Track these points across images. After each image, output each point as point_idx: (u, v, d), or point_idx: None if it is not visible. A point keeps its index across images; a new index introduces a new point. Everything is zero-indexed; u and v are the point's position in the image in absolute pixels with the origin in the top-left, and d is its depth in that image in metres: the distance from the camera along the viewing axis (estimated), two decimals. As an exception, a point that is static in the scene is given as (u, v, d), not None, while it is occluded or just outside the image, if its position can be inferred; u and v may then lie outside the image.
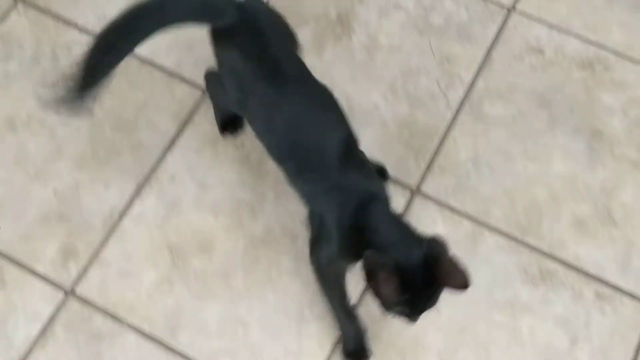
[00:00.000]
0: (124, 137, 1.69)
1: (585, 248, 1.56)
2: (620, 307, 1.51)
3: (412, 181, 1.64)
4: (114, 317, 1.52)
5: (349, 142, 1.31)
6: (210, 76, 1.56)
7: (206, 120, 1.71)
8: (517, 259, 1.56)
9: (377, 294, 1.18)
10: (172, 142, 1.69)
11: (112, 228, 1.60)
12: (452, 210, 1.61)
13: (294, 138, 1.29)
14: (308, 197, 1.34)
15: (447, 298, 1.42)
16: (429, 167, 1.65)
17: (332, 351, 1.48)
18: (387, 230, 1.23)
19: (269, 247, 1.58)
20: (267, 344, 1.49)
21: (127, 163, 1.66)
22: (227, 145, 1.68)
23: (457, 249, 1.56)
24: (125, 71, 1.75)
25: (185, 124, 1.71)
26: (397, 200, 1.60)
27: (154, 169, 1.66)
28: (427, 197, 1.62)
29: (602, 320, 1.50)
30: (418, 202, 1.61)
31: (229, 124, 1.67)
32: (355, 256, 1.24)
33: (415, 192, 1.63)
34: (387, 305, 1.20)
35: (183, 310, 1.53)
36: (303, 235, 1.58)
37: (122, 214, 1.61)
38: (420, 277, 1.17)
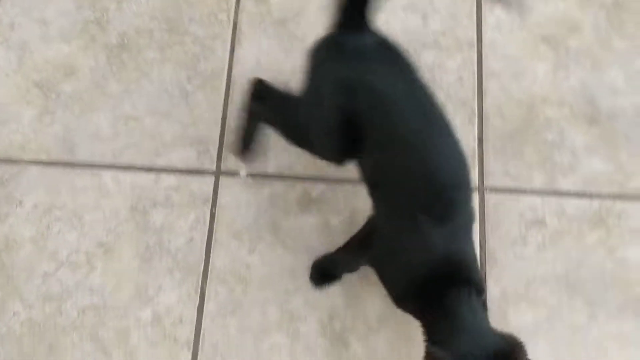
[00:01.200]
0: (-54, 7, 1.66)
1: None
2: (451, -24, 1.66)
3: None
4: (9, 161, 1.52)
5: (468, 209, 1.20)
6: (265, 96, 1.38)
7: (22, -35, 1.70)
8: None
9: None
10: (-3, -5, 1.67)
11: (-29, 89, 1.59)
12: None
13: (423, 185, 1.16)
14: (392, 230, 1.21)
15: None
16: None
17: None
18: (458, 318, 1.12)
19: (129, 50, 1.61)
20: (163, 125, 1.55)
21: (-40, 28, 1.64)
22: (53, -22, 1.68)
23: None
24: None
25: (2, -25, 1.69)
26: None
27: (-11, 25, 1.64)
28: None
29: (441, -8, 1.65)
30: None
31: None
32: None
33: None
34: None
35: (72, 130, 1.55)
36: (159, 29, 1.62)
37: (-24, 73, 1.60)
38: None
